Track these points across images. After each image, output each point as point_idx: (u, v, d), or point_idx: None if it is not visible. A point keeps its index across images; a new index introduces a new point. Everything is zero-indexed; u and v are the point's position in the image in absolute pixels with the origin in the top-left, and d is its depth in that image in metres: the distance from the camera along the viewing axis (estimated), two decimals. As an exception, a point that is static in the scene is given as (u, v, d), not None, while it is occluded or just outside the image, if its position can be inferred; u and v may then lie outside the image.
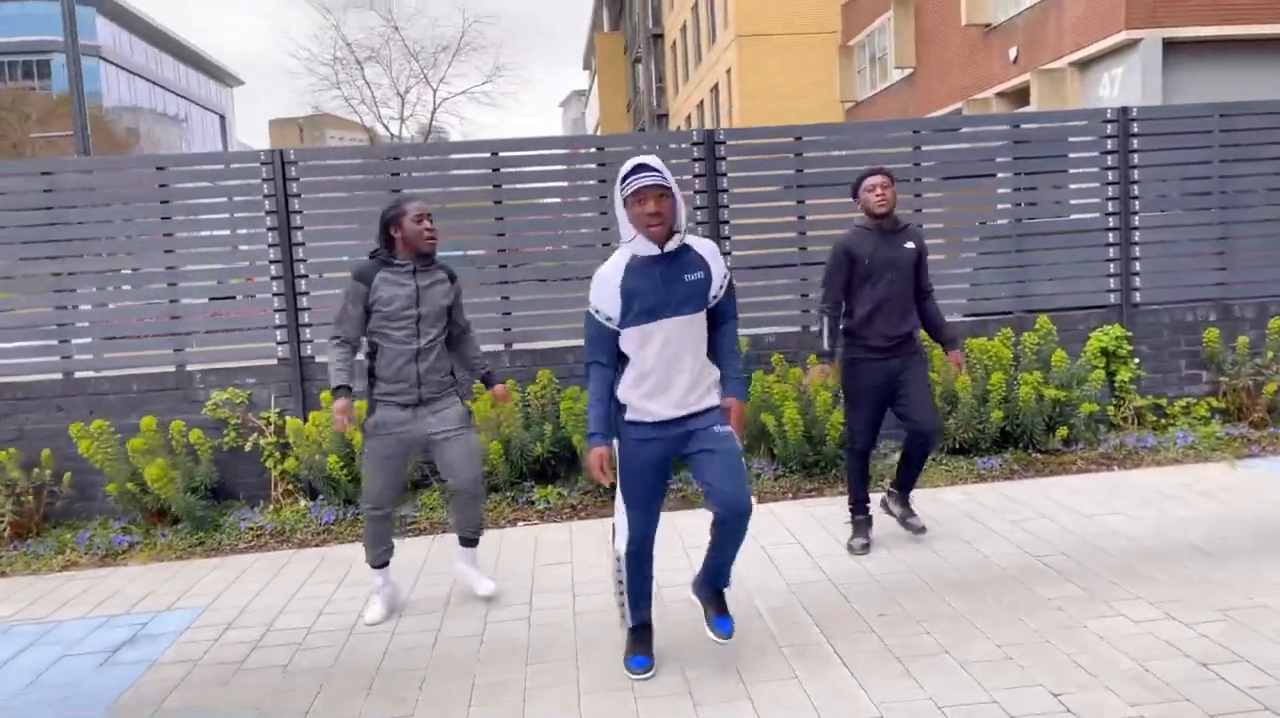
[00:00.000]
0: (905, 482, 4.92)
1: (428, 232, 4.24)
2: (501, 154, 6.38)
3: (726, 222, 6.46)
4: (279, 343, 6.21)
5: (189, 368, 6.26)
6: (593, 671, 3.73)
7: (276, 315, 6.20)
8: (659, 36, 49.40)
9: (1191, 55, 16.17)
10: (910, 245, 4.72)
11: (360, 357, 4.41)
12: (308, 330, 6.23)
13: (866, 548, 4.84)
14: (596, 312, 3.49)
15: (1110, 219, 6.67)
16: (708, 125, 38.68)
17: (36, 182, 6.04)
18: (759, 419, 6.17)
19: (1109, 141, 6.62)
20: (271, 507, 6.04)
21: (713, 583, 3.72)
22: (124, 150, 51.47)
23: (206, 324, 6.39)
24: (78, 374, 6.18)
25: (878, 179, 4.68)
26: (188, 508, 5.81)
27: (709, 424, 3.52)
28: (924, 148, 6.57)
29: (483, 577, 4.57)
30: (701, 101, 40.11)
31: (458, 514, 4.50)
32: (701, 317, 3.53)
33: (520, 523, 5.77)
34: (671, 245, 3.43)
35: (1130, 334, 6.65)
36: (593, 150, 6.48)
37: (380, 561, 4.45)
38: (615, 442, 3.61)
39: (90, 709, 3.68)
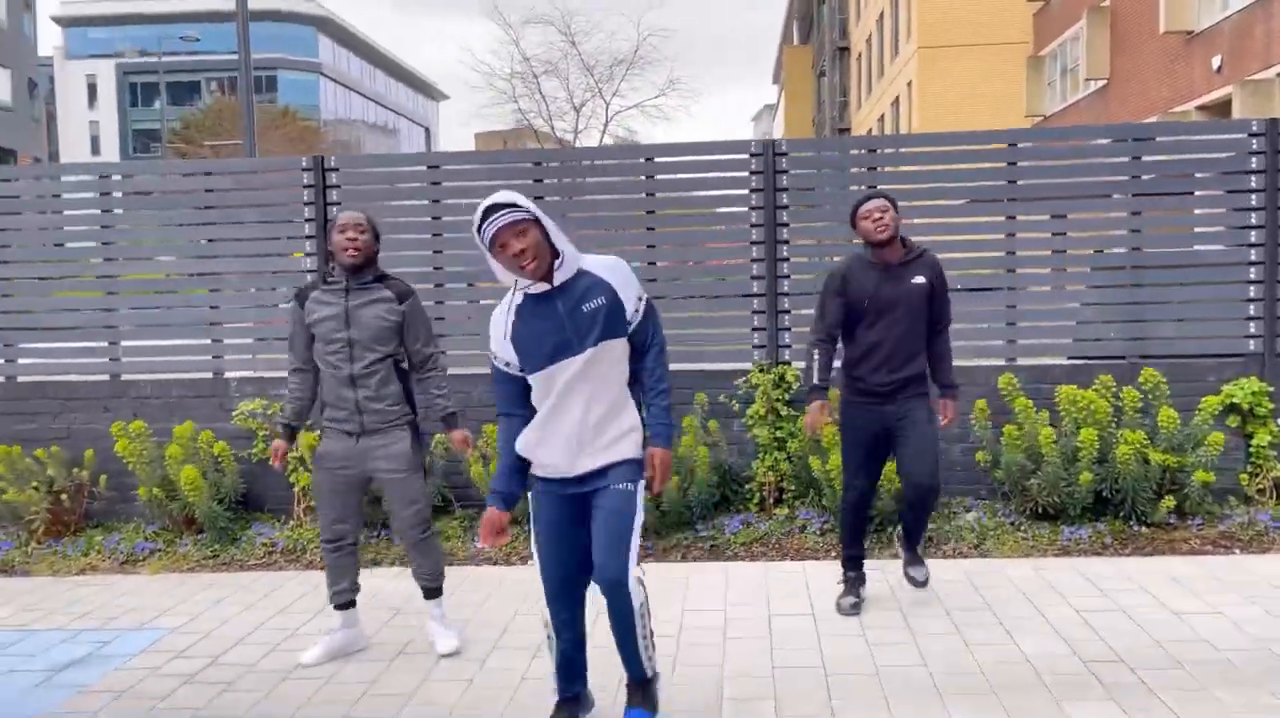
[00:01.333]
0: (908, 529, 4.43)
1: (348, 241, 3.87)
2: (545, 164, 6.00)
3: (785, 242, 5.81)
4: (311, 354, 6.05)
5: (226, 375, 6.20)
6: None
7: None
8: (845, 50, 48.20)
9: None
10: (920, 280, 4.17)
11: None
12: (340, 343, 6.04)
13: (856, 608, 4.37)
14: (495, 357, 3.09)
15: (1253, 251, 5.57)
16: (887, 140, 37.23)
17: (95, 185, 6.15)
18: (806, 465, 5.48)
19: (1254, 159, 5.54)
20: (291, 523, 5.88)
21: (627, 669, 3.16)
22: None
23: (251, 332, 6.33)
24: (124, 376, 6.23)
25: (874, 204, 4.16)
26: (212, 518, 5.72)
27: (608, 483, 2.97)
28: (1021, 163, 5.70)
29: (447, 632, 4.16)
30: (882, 115, 38.75)
31: (411, 561, 4.17)
32: (614, 349, 3.01)
33: (531, 560, 5.34)
34: (561, 277, 2.92)
35: (1273, 389, 5.52)
36: (641, 162, 5.97)
37: (339, 600, 4.12)
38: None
39: (-11, 736, 3.53)
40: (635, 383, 3.13)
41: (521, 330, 3.01)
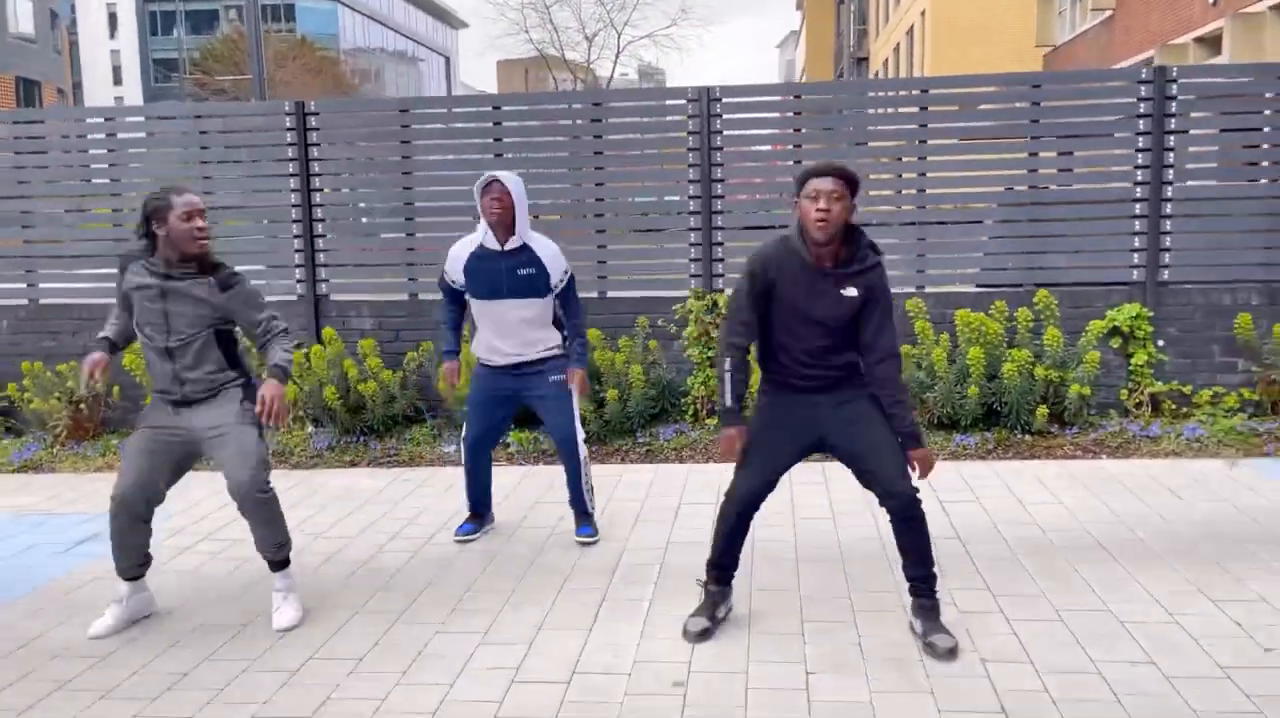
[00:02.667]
0: (909, 574, 3.55)
1: (198, 232, 3.65)
2: (504, 108, 6.62)
3: (720, 180, 6.43)
4: (298, 281, 6.77)
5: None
6: (424, 600, 4.02)
7: (296, 256, 6.75)
8: (864, -24, 47.55)
9: None
10: (851, 292, 3.38)
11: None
12: (323, 270, 6.75)
13: (701, 635, 3.57)
14: (447, 274, 4.55)
15: (1139, 189, 6.13)
16: (903, 69, 37.10)
17: (96, 127, 6.84)
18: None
19: (1143, 104, 6.07)
20: (281, 430, 6.66)
21: (574, 503, 4.70)
22: (353, 91, 55.22)
23: (243, 259, 7.05)
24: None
25: (824, 184, 3.27)
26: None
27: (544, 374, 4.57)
28: (931, 109, 6.26)
29: (285, 604, 3.87)
30: (898, 45, 38.48)
31: (251, 530, 3.84)
32: (535, 302, 4.44)
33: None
34: (511, 245, 4.35)
35: (1153, 314, 6.13)
36: (592, 106, 6.58)
37: (128, 574, 3.87)
38: None
39: (18, 589, 4.34)
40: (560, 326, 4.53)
41: (473, 267, 4.37)
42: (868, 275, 3.40)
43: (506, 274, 4.33)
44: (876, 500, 3.51)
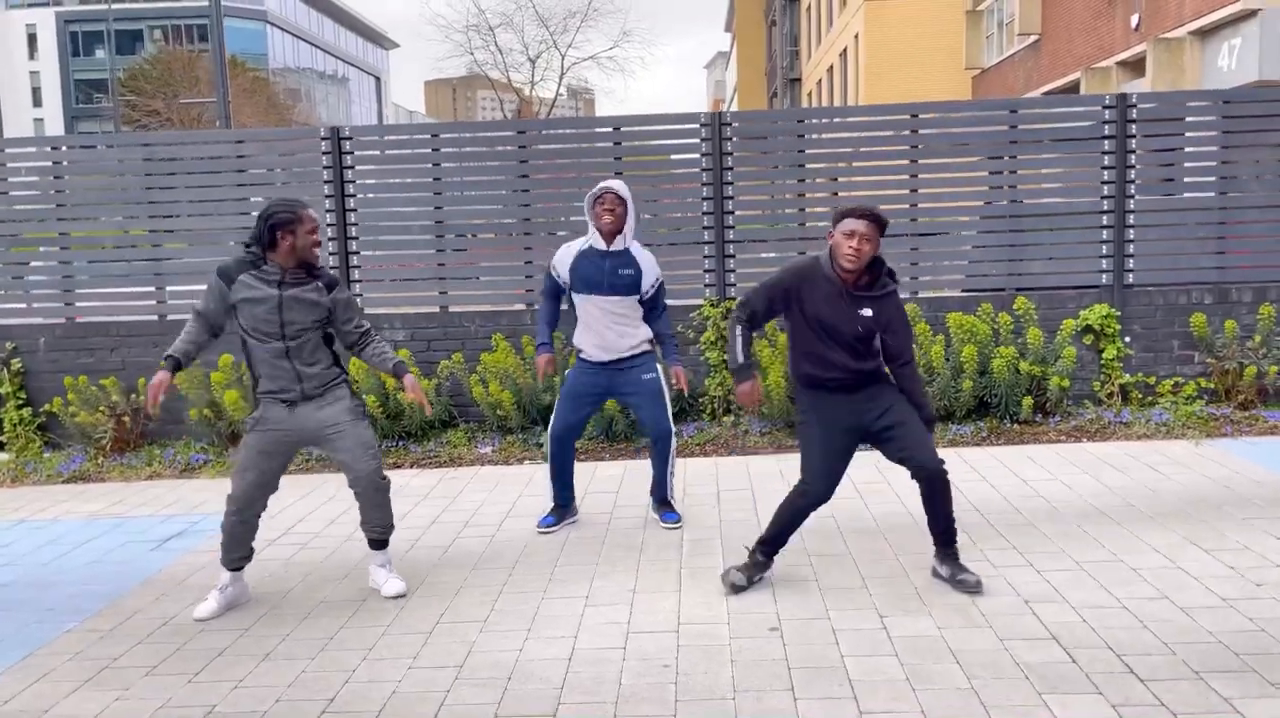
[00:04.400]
0: (935, 528, 4.12)
1: (317, 244, 4.12)
2: (527, 133, 7.14)
3: (730, 197, 7.02)
4: (333, 296, 7.16)
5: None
6: (519, 575, 4.49)
7: (332, 272, 7.13)
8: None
9: (1317, 25, 15.37)
10: (867, 313, 3.90)
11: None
12: (357, 285, 7.16)
13: (737, 588, 4.15)
14: (555, 269, 5.04)
15: (1105, 202, 6.88)
16: (836, 90, 38.35)
17: (136, 152, 7.17)
18: (749, 380, 6.78)
19: (1107, 127, 6.83)
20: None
21: (657, 491, 5.15)
22: (285, 112, 54.84)
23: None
24: (170, 317, 7.30)
25: (858, 226, 3.78)
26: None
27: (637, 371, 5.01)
28: (921, 131, 6.94)
29: (391, 576, 4.34)
30: (831, 67, 39.75)
31: (361, 512, 4.29)
32: (629, 300, 4.93)
33: (525, 462, 6.57)
34: (616, 247, 4.86)
35: (1120, 314, 6.88)
36: (611, 130, 7.12)
37: (235, 565, 4.26)
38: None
39: (132, 579, 4.69)
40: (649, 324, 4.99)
41: (580, 264, 4.84)
42: (882, 301, 3.95)
43: (609, 273, 4.78)
44: (908, 474, 4.08)
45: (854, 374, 3.99)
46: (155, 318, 7.33)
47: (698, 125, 7.00)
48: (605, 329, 4.83)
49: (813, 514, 4.17)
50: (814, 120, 7.07)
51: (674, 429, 4.99)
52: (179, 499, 6.08)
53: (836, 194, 7.09)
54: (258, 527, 4.29)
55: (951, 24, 31.42)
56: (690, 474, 6.04)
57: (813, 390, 4.06)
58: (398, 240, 7.32)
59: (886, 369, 4.10)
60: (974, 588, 4.00)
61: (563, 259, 4.92)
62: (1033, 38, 24.92)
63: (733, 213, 7.01)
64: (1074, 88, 21.95)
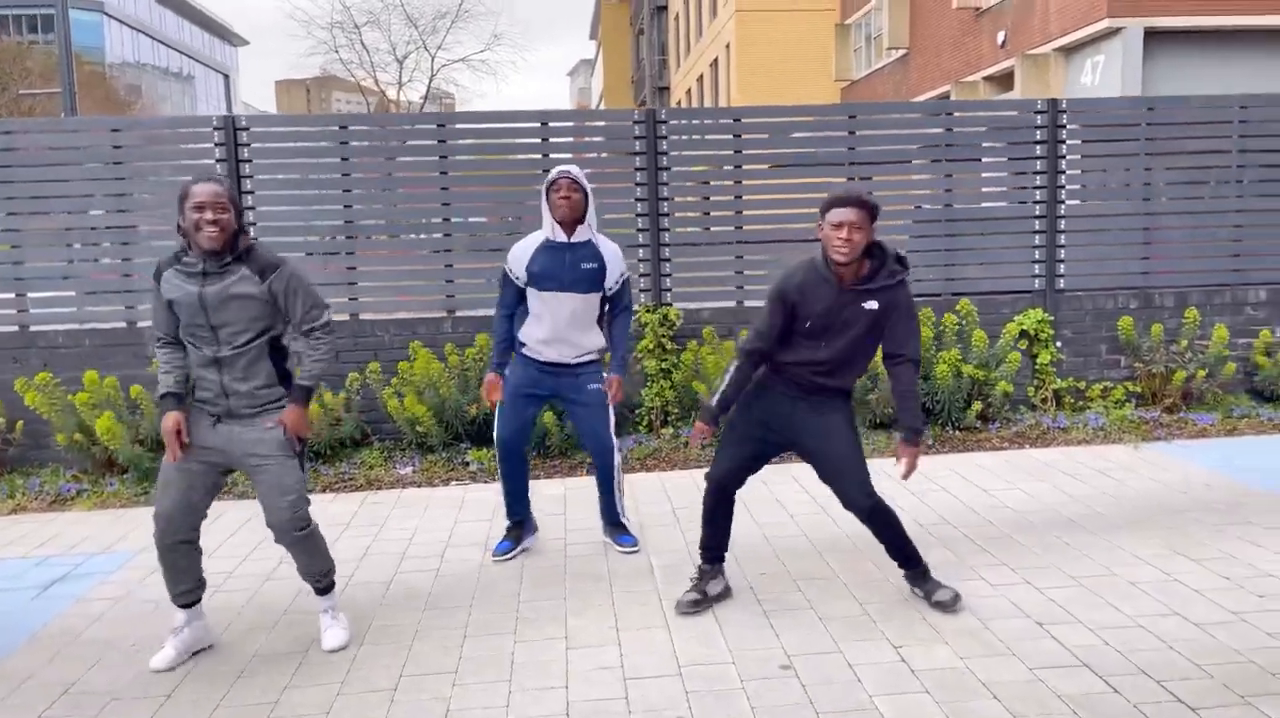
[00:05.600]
0: (892, 556, 3.94)
1: (209, 223, 3.38)
2: (448, 126, 6.60)
3: (667, 199, 6.67)
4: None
5: (140, 324, 6.50)
6: (480, 615, 4.00)
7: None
8: (663, 8, 49.22)
9: (1173, 44, 16.26)
10: (872, 305, 3.64)
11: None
12: (256, 292, 6.46)
13: (692, 605, 3.92)
14: (511, 270, 4.45)
15: (1037, 207, 6.88)
16: (707, 99, 38.66)
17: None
18: (690, 390, 6.43)
19: (1039, 132, 6.82)
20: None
21: (608, 513, 4.74)
22: (125, 109, 51.54)
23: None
24: (32, 328, 6.42)
25: (846, 215, 3.53)
26: (135, 459, 6.08)
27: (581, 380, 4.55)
28: (859, 133, 6.77)
29: (333, 624, 3.78)
30: (701, 76, 40.08)
31: (294, 558, 3.72)
32: (592, 297, 4.43)
33: (453, 483, 6.03)
34: (577, 238, 4.37)
35: (1052, 318, 6.88)
36: (536, 125, 6.67)
37: (185, 601, 3.67)
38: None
39: (16, 635, 3.96)
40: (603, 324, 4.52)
41: (539, 258, 4.34)
42: (889, 291, 3.66)
43: (570, 266, 4.30)
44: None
45: (825, 387, 3.76)
46: (15, 328, 6.43)
47: (632, 123, 6.63)
48: (562, 329, 4.36)
49: (782, 533, 3.89)
50: (750, 119, 6.76)
51: (616, 445, 4.56)
52: (55, 536, 5.28)
53: (773, 196, 6.84)
54: (199, 553, 3.69)
55: (822, 36, 32.10)
56: (639, 492, 5.65)
57: (766, 389, 3.87)
58: (302, 243, 6.65)
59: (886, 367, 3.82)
60: (951, 605, 3.80)
61: (519, 255, 4.39)
62: (901, 52, 25.65)
63: (669, 215, 6.67)
64: (944, 100, 22.67)
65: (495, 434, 4.54)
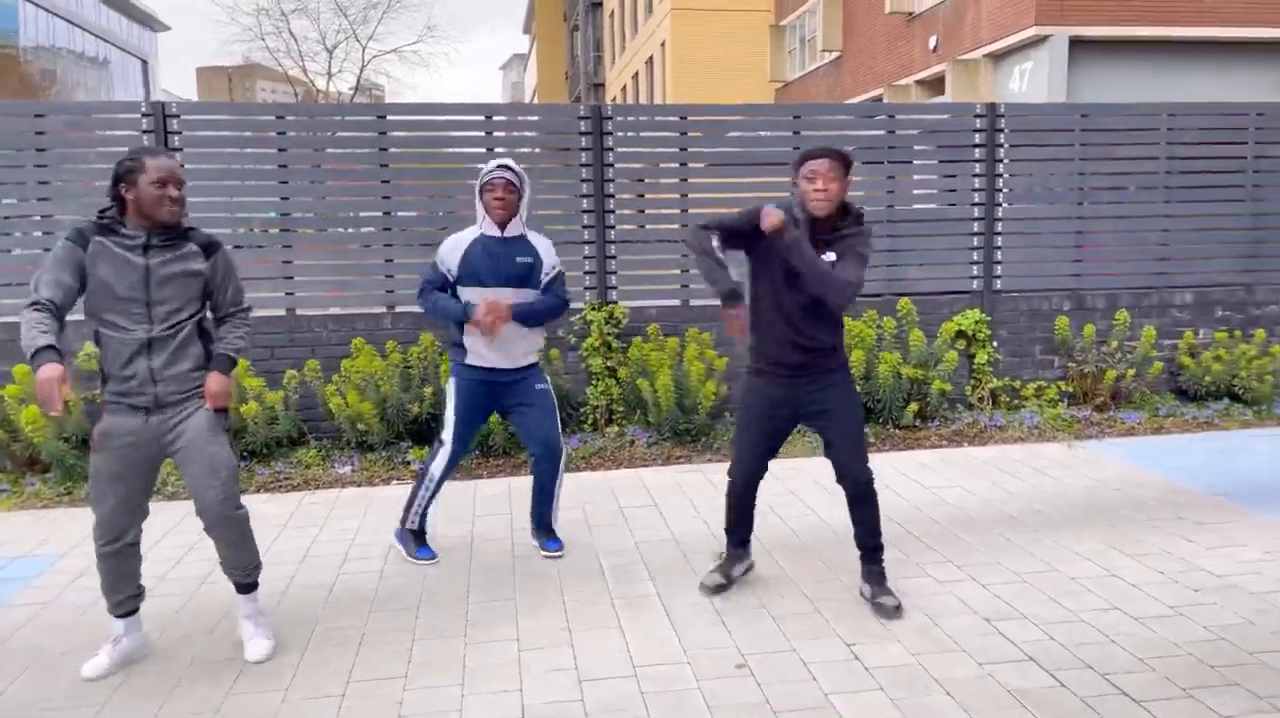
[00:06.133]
0: (861, 542, 3.96)
1: (171, 200, 3.31)
2: (389, 118, 6.47)
3: (611, 195, 6.63)
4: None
5: (68, 318, 6.22)
6: (428, 617, 3.92)
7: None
8: (598, 5, 49.10)
9: (1098, 53, 16.73)
10: (830, 257, 3.61)
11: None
12: (188, 285, 6.25)
13: (716, 589, 4.05)
14: (441, 262, 4.39)
15: (975, 209, 7.00)
16: (643, 96, 38.68)
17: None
18: (635, 388, 6.40)
19: (977, 136, 6.94)
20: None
21: (542, 516, 4.66)
22: (39, 94, 49.64)
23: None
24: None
25: (821, 165, 3.55)
26: (59, 456, 5.84)
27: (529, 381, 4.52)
28: (803, 133, 6.81)
29: (257, 633, 3.64)
30: (636, 73, 40.09)
31: (217, 551, 3.57)
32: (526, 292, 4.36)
33: (394, 482, 5.91)
34: (510, 233, 4.30)
35: (989, 319, 7.01)
36: (480, 119, 6.57)
37: (124, 610, 3.54)
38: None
39: (-69, 646, 3.76)
40: None
41: (473, 254, 4.26)
42: (847, 239, 3.64)
43: (506, 262, 4.25)
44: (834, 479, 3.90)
45: (809, 351, 3.73)
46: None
47: (577, 119, 6.57)
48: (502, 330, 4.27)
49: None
50: (695, 117, 6.76)
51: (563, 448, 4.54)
52: (-27, 540, 5.04)
53: (719, 195, 6.84)
54: (139, 559, 3.57)
55: (757, 36, 32.35)
56: (585, 491, 5.61)
57: (761, 377, 3.87)
58: (234, 235, 6.44)
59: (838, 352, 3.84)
60: (892, 613, 3.78)
61: (450, 250, 4.31)
62: (834, 54, 25.97)
63: (614, 212, 6.63)
64: (877, 102, 23.00)
65: (445, 453, 4.41)
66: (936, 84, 20.54)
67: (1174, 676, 3.30)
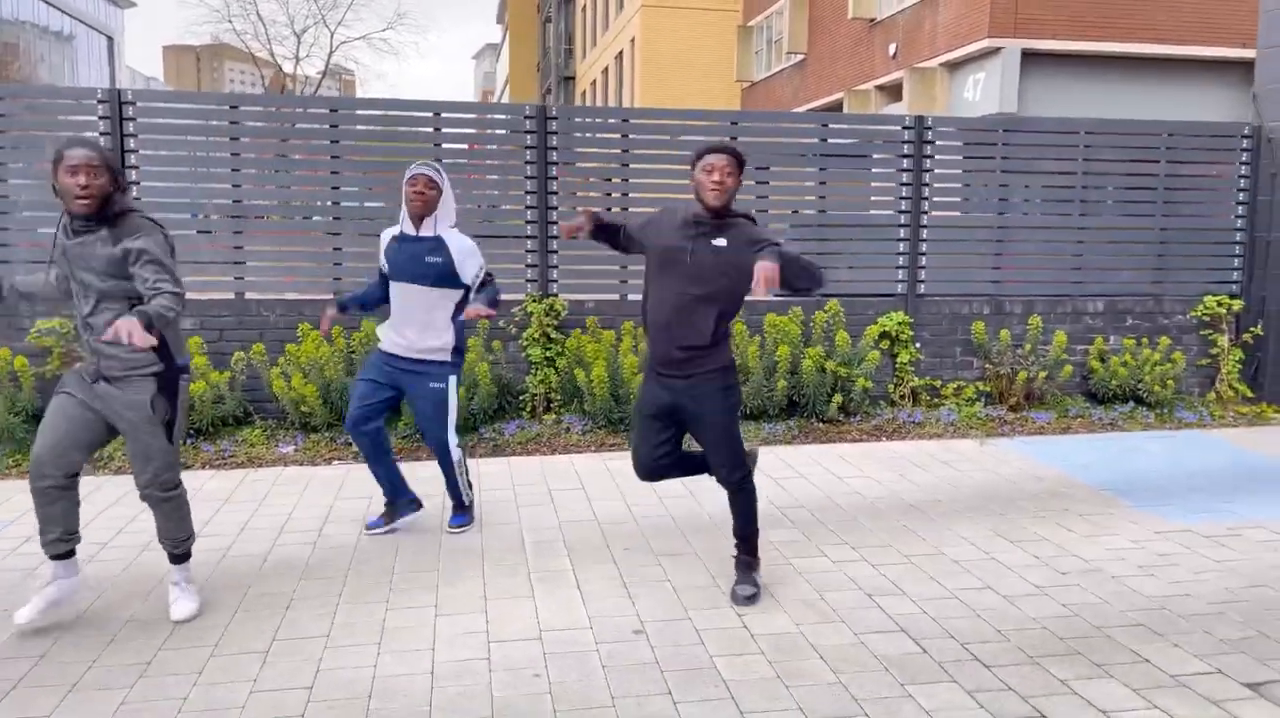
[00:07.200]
0: (736, 532, 4.12)
1: (80, 188, 3.44)
2: (341, 111, 6.71)
3: (555, 193, 6.91)
4: (110, 277, 6.43)
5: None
6: (355, 584, 4.20)
7: (109, 251, 6.40)
8: (570, -2, 49.21)
9: (1049, 66, 17.23)
10: (721, 243, 3.77)
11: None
12: (140, 267, 6.46)
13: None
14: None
15: (902, 216, 7.36)
16: (611, 92, 38.92)
17: None
18: (572, 378, 6.70)
19: (906, 146, 7.30)
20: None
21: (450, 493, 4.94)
22: (2, 68, 48.90)
23: (40, 253, 6.55)
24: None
25: (718, 160, 3.75)
26: (10, 429, 6.04)
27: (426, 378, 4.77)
28: (743, 139, 7.13)
29: (183, 596, 3.87)
30: (606, 68, 40.30)
31: (155, 522, 3.86)
32: (442, 292, 4.63)
33: (335, 462, 6.17)
34: (424, 233, 4.55)
35: (913, 321, 7.38)
36: (429, 115, 6.83)
37: (54, 551, 3.72)
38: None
39: (-121, 603, 3.98)
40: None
41: (391, 249, 4.60)
42: (736, 228, 3.79)
43: (414, 259, 4.49)
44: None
45: (689, 344, 3.82)
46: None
47: (523, 118, 6.85)
48: (408, 321, 4.55)
49: (653, 514, 4.17)
50: (639, 120, 7.05)
51: (456, 442, 4.74)
52: (-78, 507, 5.24)
53: (659, 195, 7.15)
54: (69, 504, 3.70)
55: (725, 36, 32.70)
56: (519, 474, 5.90)
57: (648, 375, 4.02)
58: (188, 220, 6.66)
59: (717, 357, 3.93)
60: (743, 602, 4.00)
61: (383, 243, 4.69)
62: (799, 57, 26.37)
63: (556, 209, 6.91)
64: (837, 106, 23.42)
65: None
66: (895, 90, 20.99)
67: (1025, 646, 3.66)
